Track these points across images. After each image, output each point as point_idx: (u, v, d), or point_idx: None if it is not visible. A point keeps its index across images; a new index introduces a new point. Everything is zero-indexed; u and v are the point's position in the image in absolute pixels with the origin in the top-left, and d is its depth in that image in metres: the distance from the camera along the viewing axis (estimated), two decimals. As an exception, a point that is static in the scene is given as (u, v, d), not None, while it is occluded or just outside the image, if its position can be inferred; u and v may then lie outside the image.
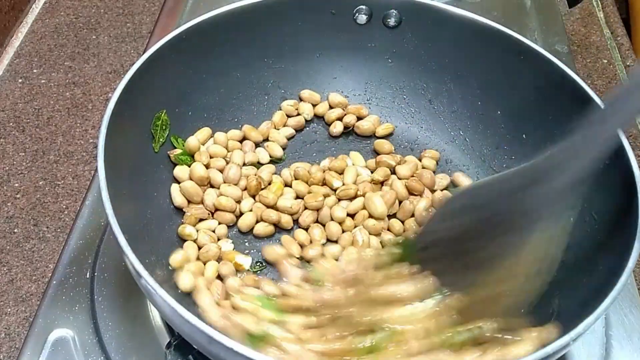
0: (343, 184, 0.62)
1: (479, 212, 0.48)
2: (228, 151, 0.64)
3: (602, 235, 0.53)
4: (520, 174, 0.47)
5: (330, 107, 0.69)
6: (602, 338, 0.57)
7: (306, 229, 0.59)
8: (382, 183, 0.63)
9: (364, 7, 0.66)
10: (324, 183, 0.62)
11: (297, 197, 0.61)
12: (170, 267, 0.55)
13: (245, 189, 0.61)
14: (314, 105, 0.69)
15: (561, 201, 0.46)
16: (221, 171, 0.62)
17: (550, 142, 0.61)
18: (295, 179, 0.62)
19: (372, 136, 0.68)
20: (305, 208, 0.60)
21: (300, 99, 0.69)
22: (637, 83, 0.44)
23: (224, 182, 0.61)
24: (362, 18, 0.67)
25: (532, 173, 0.46)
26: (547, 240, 0.46)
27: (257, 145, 0.66)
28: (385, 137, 0.68)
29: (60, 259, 0.60)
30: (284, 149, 0.66)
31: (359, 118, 0.69)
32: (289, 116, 0.68)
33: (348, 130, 0.68)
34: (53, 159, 0.70)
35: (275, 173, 0.63)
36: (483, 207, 0.48)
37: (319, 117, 0.69)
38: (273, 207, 0.60)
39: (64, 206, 0.66)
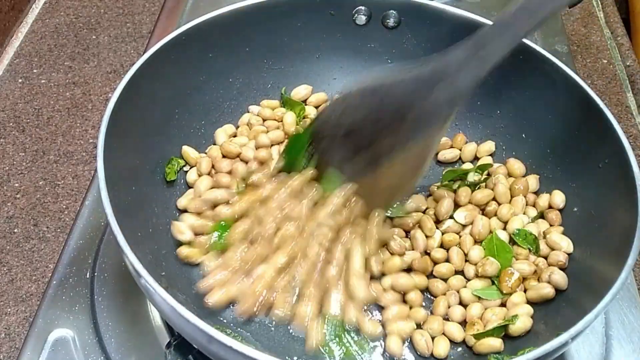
0: None
1: (381, 107, 0.51)
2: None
3: (601, 233, 0.53)
4: (421, 75, 0.50)
5: None
6: (602, 338, 0.57)
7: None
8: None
9: (363, 7, 0.66)
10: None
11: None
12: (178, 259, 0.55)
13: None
14: (316, 107, 0.69)
15: (455, 103, 0.49)
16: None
17: (549, 142, 0.61)
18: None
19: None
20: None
21: (304, 102, 0.69)
22: None
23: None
24: (361, 19, 0.67)
25: (433, 74, 0.49)
26: (426, 146, 0.52)
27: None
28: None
29: (60, 259, 0.60)
30: None
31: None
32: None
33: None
34: (53, 159, 0.70)
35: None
36: (384, 104, 0.51)
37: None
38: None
39: (64, 206, 0.66)
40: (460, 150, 0.66)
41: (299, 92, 0.68)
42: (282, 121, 0.66)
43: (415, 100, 0.49)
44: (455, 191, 0.61)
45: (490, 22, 0.62)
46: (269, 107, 0.67)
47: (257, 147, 0.63)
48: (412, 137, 0.50)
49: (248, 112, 0.67)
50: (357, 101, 0.53)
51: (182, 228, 0.57)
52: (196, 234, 0.57)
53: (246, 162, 0.62)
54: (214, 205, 0.59)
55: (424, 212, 0.61)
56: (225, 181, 0.60)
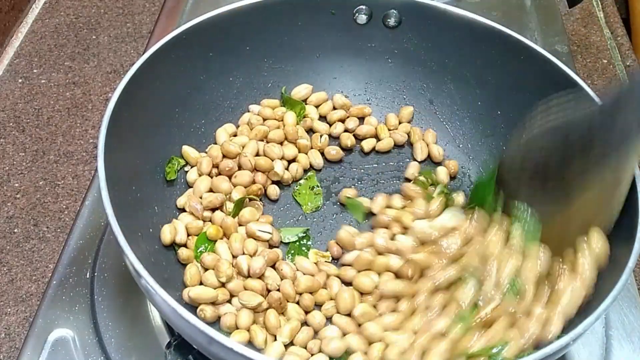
0: None
1: (566, 143, 0.51)
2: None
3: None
4: (604, 106, 0.51)
5: (334, 108, 0.69)
6: (602, 338, 0.57)
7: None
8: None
9: (364, 7, 0.66)
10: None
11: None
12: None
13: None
14: (316, 107, 0.69)
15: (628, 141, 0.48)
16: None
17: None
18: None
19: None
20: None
21: (305, 101, 0.69)
22: None
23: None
24: (362, 18, 0.67)
25: (615, 101, 0.49)
26: (617, 174, 0.50)
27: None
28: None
29: (60, 259, 0.60)
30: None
31: (362, 119, 0.69)
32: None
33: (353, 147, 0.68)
34: (53, 159, 0.70)
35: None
36: (569, 140, 0.51)
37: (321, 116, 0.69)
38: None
39: (64, 206, 0.66)
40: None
41: (299, 91, 0.68)
42: (282, 120, 0.66)
43: (601, 128, 0.49)
44: None
45: (489, 23, 0.62)
46: (270, 106, 0.67)
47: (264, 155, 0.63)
48: (601, 161, 0.49)
49: (248, 111, 0.67)
50: (540, 143, 0.53)
51: (178, 227, 0.57)
52: (190, 235, 0.57)
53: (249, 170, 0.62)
54: (211, 208, 0.59)
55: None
56: (225, 187, 0.60)
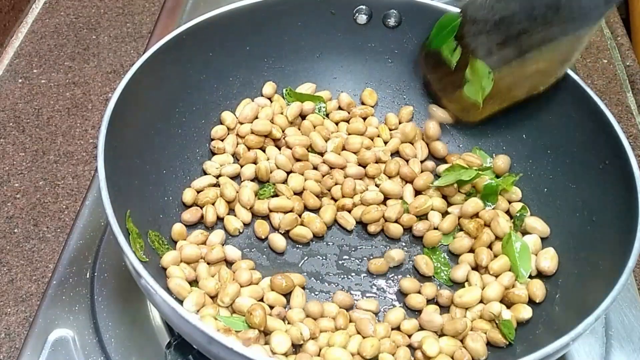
0: None
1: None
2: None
3: (602, 235, 0.53)
4: None
5: (339, 108, 0.69)
6: (602, 338, 0.57)
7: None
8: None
9: (364, 7, 0.66)
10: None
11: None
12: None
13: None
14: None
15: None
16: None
17: (550, 142, 0.61)
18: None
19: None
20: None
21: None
22: None
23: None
24: (362, 18, 0.67)
25: None
26: (577, 40, 0.54)
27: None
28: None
29: (60, 259, 0.60)
30: None
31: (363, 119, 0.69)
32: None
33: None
34: (53, 159, 0.70)
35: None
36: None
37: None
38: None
39: (64, 206, 0.66)
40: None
41: (302, 90, 0.68)
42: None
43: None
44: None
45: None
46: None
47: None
48: (564, 32, 0.53)
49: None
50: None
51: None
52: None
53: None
54: None
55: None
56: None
